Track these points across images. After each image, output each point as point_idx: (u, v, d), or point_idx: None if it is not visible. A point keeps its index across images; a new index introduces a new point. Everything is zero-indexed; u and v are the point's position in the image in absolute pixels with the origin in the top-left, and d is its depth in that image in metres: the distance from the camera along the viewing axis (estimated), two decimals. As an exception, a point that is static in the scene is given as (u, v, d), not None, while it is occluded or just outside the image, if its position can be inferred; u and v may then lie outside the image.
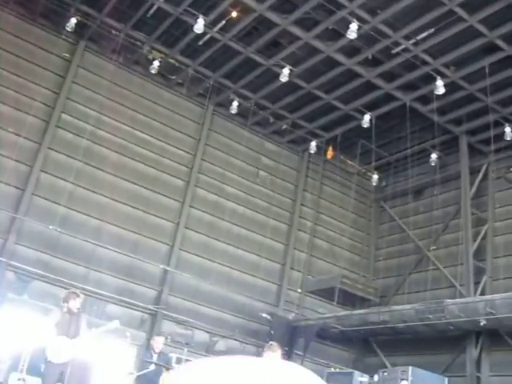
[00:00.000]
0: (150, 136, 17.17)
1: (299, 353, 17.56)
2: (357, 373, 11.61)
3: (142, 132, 17.02)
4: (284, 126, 19.10)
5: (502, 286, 15.41)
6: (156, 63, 16.57)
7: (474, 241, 16.78)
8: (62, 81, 16.11)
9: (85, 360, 9.75)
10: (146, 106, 17.28)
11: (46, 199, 15.24)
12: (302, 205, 19.78)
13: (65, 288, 13.42)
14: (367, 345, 17.95)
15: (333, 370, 13.04)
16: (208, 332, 16.91)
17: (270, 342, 10.85)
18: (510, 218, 16.62)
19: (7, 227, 14.53)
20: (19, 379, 9.52)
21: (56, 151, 15.67)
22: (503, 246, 16.50)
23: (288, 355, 17.41)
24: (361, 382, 11.26)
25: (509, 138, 16.01)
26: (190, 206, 17.56)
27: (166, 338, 11.44)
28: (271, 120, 18.91)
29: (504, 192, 17.17)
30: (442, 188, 17.92)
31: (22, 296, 14.03)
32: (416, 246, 18.73)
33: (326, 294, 18.12)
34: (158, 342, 11.18)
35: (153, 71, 16.70)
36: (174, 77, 17.59)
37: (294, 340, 17.74)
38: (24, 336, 10.91)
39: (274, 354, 10.35)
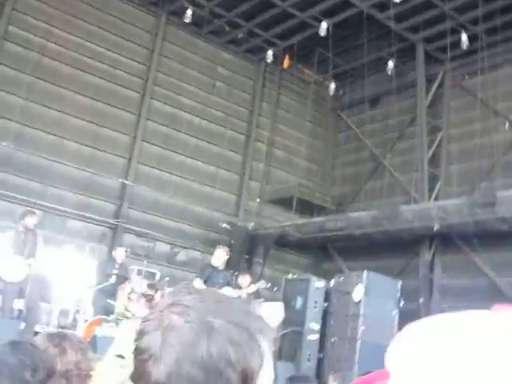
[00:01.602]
0: (102, 48, 16.62)
1: (259, 260, 18.02)
2: (314, 278, 11.97)
3: (93, 43, 16.45)
4: (240, 35, 18.67)
5: (455, 192, 15.84)
6: (105, -30, 15.84)
7: (429, 148, 17.04)
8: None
9: (44, 275, 9.86)
10: (97, 17, 16.63)
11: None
12: (259, 115, 19.69)
13: (22, 205, 13.38)
14: (325, 251, 18.45)
15: (290, 276, 13.41)
16: (169, 243, 17.13)
17: (221, 246, 11.18)
18: (463, 126, 16.84)
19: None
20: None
21: (4, 65, 15.13)
22: (457, 154, 16.83)
23: (248, 263, 17.88)
24: (317, 287, 11.64)
25: (465, 47, 15.99)
26: (147, 119, 17.33)
27: (126, 251, 11.55)
28: (227, 29, 18.45)
29: (459, 100, 17.31)
30: (399, 96, 17.95)
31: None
32: (372, 155, 18.97)
33: (284, 203, 18.39)
34: (120, 253, 11.32)
35: (102, -21, 15.98)
36: (124, -16, 16.92)
37: (253, 248, 18.16)
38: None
39: (224, 252, 10.66)
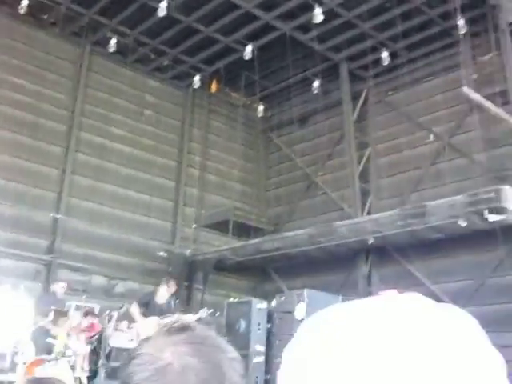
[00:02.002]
0: (26, 81, 16.30)
1: (199, 287, 17.90)
2: (255, 300, 11.98)
3: (16, 77, 16.11)
4: (165, 62, 18.68)
5: (387, 204, 16.21)
6: (24, 2, 15.48)
7: (359, 164, 17.43)
8: None
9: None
10: (18, 50, 16.30)
11: None
12: (190, 141, 19.67)
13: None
14: (264, 272, 18.50)
15: (232, 299, 13.36)
16: (106, 276, 16.79)
17: (166, 277, 11.04)
18: (390, 140, 17.31)
19: None
20: None
21: None
22: (386, 167, 17.27)
23: (188, 290, 17.73)
24: (259, 308, 11.64)
25: (386, 63, 16.53)
26: (75, 151, 17.04)
27: (63, 287, 11.23)
28: (152, 56, 18.44)
29: (384, 116, 17.80)
30: (326, 115, 18.33)
31: None
32: (304, 173, 19.23)
33: (221, 227, 18.36)
34: (59, 286, 11.01)
35: (22, 11, 15.66)
36: (45, 16, 16.66)
37: (192, 275, 18.05)
38: None
39: (169, 289, 10.53)
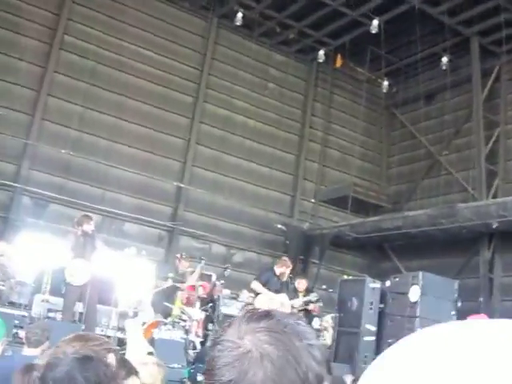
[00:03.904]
0: (156, 53, 16.91)
1: (315, 261, 18.00)
2: (368, 279, 11.83)
3: (146, 49, 16.77)
4: (291, 36, 18.67)
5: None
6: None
7: (486, 144, 16.65)
8: (62, 1, 15.80)
9: (104, 278, 10.10)
10: (149, 23, 16.92)
11: (56, 123, 15.33)
12: (313, 115, 19.64)
13: (81, 209, 13.73)
14: (381, 251, 18.27)
15: (345, 277, 13.32)
16: (225, 245, 17.28)
17: (284, 258, 11.18)
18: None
19: (20, 153, 14.72)
20: (43, 300, 9.94)
21: (61, 74, 15.59)
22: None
23: (304, 263, 17.88)
24: (373, 287, 11.52)
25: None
26: (200, 122, 17.54)
27: (182, 256, 11.63)
28: (278, 30, 18.48)
29: (517, 94, 16.86)
30: (454, 92, 17.60)
31: (40, 220, 14.35)
32: (428, 152, 18.66)
33: (340, 202, 18.28)
34: (184, 265, 11.37)
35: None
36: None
37: (309, 249, 18.15)
38: (44, 258, 11.27)
39: (288, 268, 10.67)
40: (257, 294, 10.37)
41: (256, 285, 10.36)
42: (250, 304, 9.73)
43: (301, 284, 11.36)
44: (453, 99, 17.70)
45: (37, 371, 1.77)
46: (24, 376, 1.84)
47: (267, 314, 1.04)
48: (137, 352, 4.42)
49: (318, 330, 12.02)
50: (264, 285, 10.29)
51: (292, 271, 11.19)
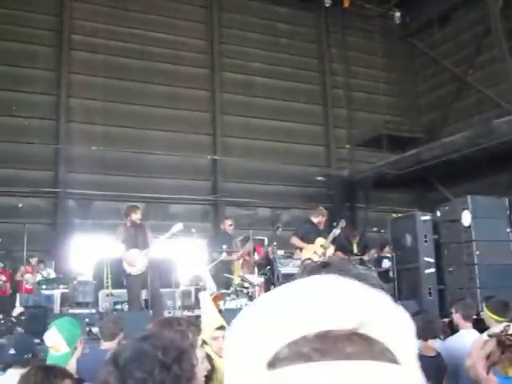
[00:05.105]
0: (163, 33, 16.85)
1: (361, 205, 17.98)
2: (418, 213, 11.81)
3: (153, 31, 16.72)
4: (293, -14, 18.39)
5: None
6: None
7: (511, 55, 16.19)
8: (61, 2, 15.85)
9: (161, 262, 10.32)
10: (151, 4, 16.83)
11: (82, 122, 15.52)
12: (330, 61, 19.41)
13: (124, 201, 13.94)
14: (425, 183, 18.11)
15: (394, 215, 13.28)
16: (270, 207, 17.38)
17: (319, 207, 11.11)
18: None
19: (54, 159, 14.99)
20: (107, 295, 10.21)
21: (76, 73, 15.72)
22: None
23: (351, 210, 17.88)
24: (424, 220, 11.50)
25: None
26: (222, 92, 17.52)
27: (231, 224, 11.74)
28: (278, -17, 18.22)
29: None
30: (467, 8, 17.13)
31: (87, 219, 14.64)
32: (453, 75, 18.28)
33: (375, 143, 18.11)
34: (226, 224, 11.50)
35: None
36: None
37: (353, 195, 18.13)
38: (99, 255, 11.55)
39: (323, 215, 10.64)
40: (300, 248, 10.36)
41: (295, 240, 10.33)
42: (308, 259, 9.73)
43: (351, 236, 11.43)
44: (468, 15, 17.24)
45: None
46: (105, 365, 1.92)
47: (325, 264, 1.08)
48: (209, 325, 4.52)
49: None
50: (303, 238, 10.25)
51: (339, 218, 11.21)
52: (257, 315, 0.60)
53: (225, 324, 4.46)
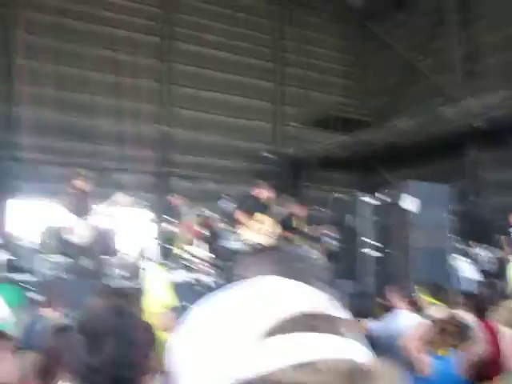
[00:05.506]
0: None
1: (306, 184, 18.19)
2: (360, 194, 12.03)
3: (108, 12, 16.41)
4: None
5: (495, 86, 15.39)
6: None
7: (462, 44, 16.48)
8: None
9: (104, 231, 10.26)
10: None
11: (32, 85, 15.16)
12: (283, 39, 19.42)
13: (70, 167, 13.76)
14: (370, 166, 18.42)
15: (336, 195, 13.48)
16: (216, 182, 17.39)
17: (258, 181, 11.03)
18: (499, 16, 15.99)
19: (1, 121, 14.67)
20: (47, 261, 10.11)
21: (30, 34, 15.31)
22: (491, 47, 16.24)
23: (294, 188, 18.07)
24: (365, 201, 11.71)
25: None
26: (172, 61, 17.36)
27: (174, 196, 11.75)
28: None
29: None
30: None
31: (32, 183, 14.37)
32: (404, 60, 18.54)
33: (323, 123, 18.33)
34: (178, 202, 11.45)
35: None
36: None
37: (298, 173, 18.31)
38: (43, 220, 11.41)
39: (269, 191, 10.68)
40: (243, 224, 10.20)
41: (237, 214, 9.97)
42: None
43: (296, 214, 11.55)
44: (424, 3, 17.45)
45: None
46: (58, 337, 1.97)
47: (270, 248, 1.21)
48: (157, 301, 4.59)
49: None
50: (246, 211, 9.93)
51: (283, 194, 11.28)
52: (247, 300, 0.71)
53: (174, 298, 4.52)
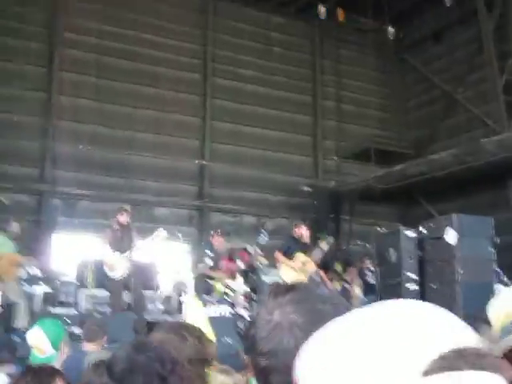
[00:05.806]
0: (159, 36, 16.86)
1: (346, 217, 18.03)
2: (402, 228, 11.84)
3: (148, 34, 16.71)
4: (288, -5, 18.44)
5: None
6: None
7: (502, 75, 16.32)
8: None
9: (144, 265, 10.29)
10: (147, 9, 16.84)
11: (70, 121, 15.45)
12: (322, 73, 19.49)
13: (110, 201, 13.92)
14: (411, 199, 18.19)
15: (379, 229, 13.32)
16: (255, 215, 17.37)
17: (295, 223, 11.20)
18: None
19: (40, 156, 14.90)
20: (87, 295, 10.16)
21: (68, 72, 15.66)
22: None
23: (335, 222, 17.92)
24: (408, 236, 11.52)
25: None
26: (212, 97, 17.53)
27: (216, 232, 11.72)
28: (274, -9, 18.27)
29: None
30: (461, 27, 17.27)
31: (72, 218, 14.55)
32: (444, 92, 18.42)
33: (362, 157, 18.19)
34: (218, 241, 11.46)
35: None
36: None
37: (338, 206, 18.16)
38: (83, 255, 11.49)
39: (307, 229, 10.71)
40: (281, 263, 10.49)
41: (277, 255, 10.44)
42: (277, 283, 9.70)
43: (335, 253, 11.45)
44: (462, 34, 17.40)
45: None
46: (95, 372, 1.91)
47: (290, 288, 1.19)
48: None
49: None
50: (285, 253, 10.33)
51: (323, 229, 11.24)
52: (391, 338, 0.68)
53: (212, 332, 4.44)
